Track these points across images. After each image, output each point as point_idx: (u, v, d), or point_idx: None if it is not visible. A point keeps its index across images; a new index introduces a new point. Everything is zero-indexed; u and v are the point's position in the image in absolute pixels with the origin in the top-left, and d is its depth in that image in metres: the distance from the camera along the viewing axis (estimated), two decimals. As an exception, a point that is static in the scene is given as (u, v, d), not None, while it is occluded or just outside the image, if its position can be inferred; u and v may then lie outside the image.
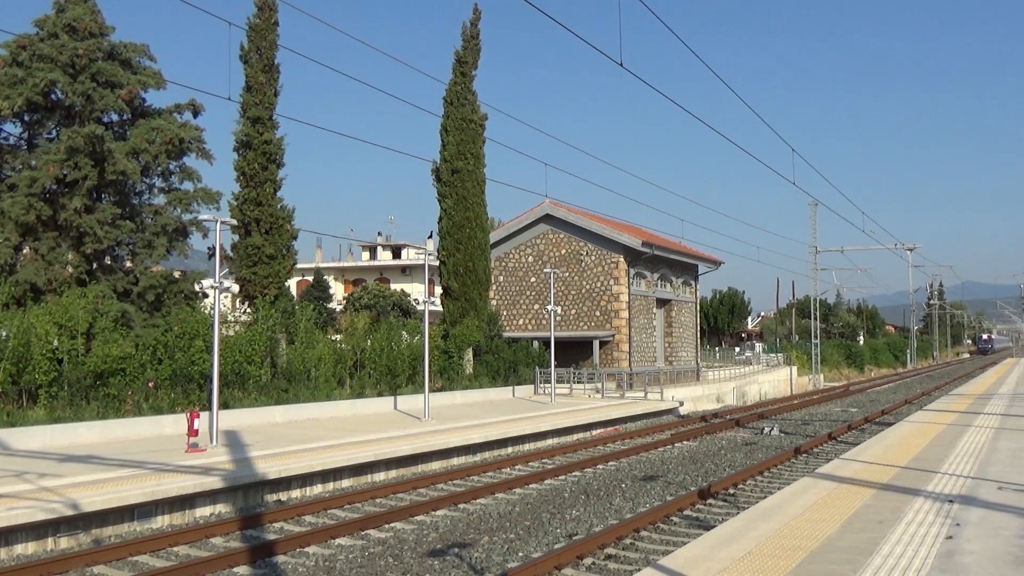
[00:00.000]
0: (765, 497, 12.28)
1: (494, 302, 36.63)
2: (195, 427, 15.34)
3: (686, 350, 41.96)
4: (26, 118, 24.88)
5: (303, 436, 17.51)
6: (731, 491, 14.38)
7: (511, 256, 37.84)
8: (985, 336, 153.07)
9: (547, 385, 29.94)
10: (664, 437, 22.11)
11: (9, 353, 18.00)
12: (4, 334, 18.42)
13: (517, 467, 17.26)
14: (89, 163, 23.21)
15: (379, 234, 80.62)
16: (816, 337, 57.26)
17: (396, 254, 76.11)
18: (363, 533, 11.28)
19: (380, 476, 15.74)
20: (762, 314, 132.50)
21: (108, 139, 23.64)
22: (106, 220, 23.57)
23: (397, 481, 15.15)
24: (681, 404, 30.10)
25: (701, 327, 48.47)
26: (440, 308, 31.67)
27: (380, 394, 25.98)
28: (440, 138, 31.38)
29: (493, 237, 35.58)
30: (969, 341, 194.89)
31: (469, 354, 30.85)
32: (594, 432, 23.40)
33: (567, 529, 11.49)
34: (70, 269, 23.73)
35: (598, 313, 35.82)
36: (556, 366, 29.24)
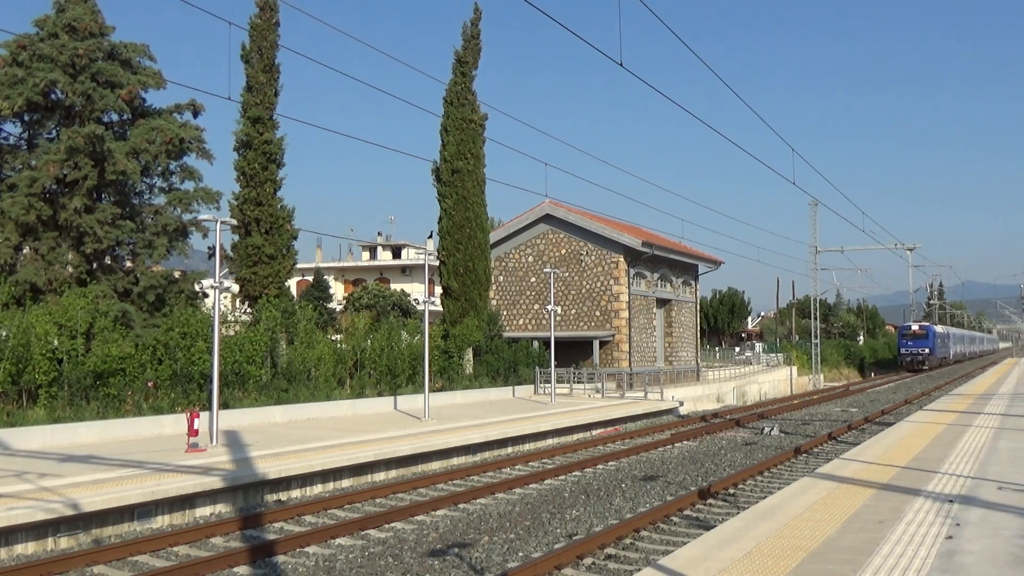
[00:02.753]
0: (765, 497, 12.28)
1: (494, 302, 36.63)
2: (195, 427, 15.34)
3: (686, 350, 41.96)
4: (26, 118, 24.89)
5: (303, 436, 17.51)
6: (731, 491, 14.38)
7: (511, 256, 37.84)
8: (915, 328, 70.50)
9: (547, 385, 29.93)
10: (664, 437, 22.10)
11: (9, 353, 18.00)
12: (4, 334, 18.42)
13: (517, 467, 17.25)
14: (89, 163, 23.21)
15: (379, 234, 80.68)
16: (816, 337, 57.27)
17: (396, 254, 76.11)
18: (363, 533, 11.28)
19: (380, 476, 15.74)
20: (762, 314, 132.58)
21: (108, 139, 23.65)
22: (106, 220, 23.58)
23: (397, 481, 15.14)
24: (681, 404, 30.09)
25: (701, 327, 48.47)
26: (440, 308, 31.67)
27: (380, 394, 25.98)
28: (440, 138, 31.38)
29: (493, 237, 35.58)
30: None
31: (469, 354, 30.84)
32: (594, 432, 23.39)
33: (567, 529, 11.49)
34: (70, 269, 23.74)
35: (598, 313, 35.82)
36: (556, 366, 29.24)
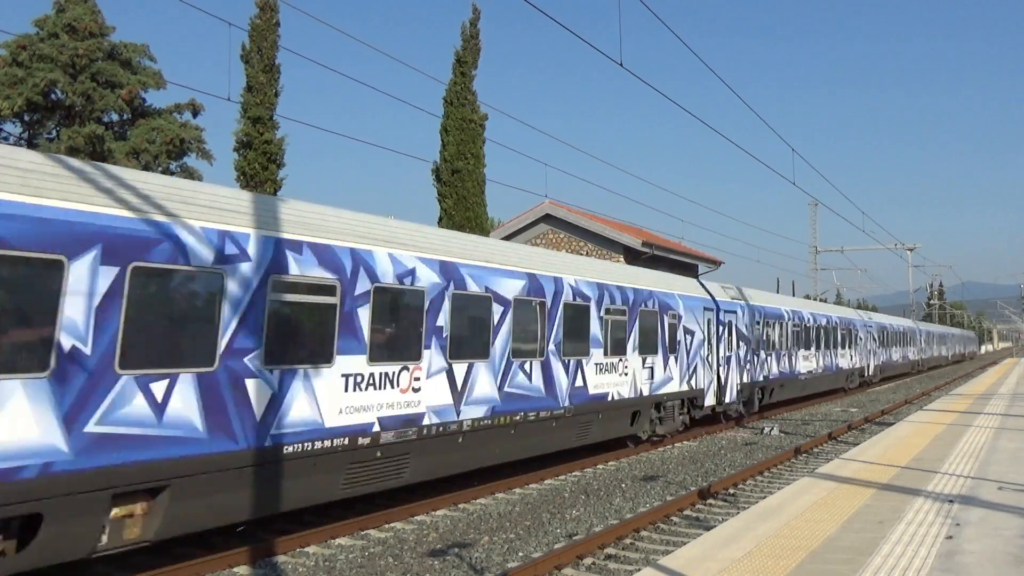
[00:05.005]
0: (765, 497, 12.29)
1: (494, 302, 36.58)
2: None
3: (685, 350, 41.53)
4: (26, 118, 24.93)
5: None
6: (731, 491, 14.38)
7: (511, 256, 37.84)
8: None
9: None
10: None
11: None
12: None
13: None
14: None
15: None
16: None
17: (396, 254, 76.13)
18: (363, 533, 11.29)
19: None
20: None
21: (108, 139, 23.68)
22: (106, 220, 23.60)
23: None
24: (680, 404, 29.50)
25: (700, 327, 48.12)
26: (440, 308, 31.65)
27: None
28: (440, 138, 31.36)
29: (493, 237, 35.59)
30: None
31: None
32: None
33: (567, 529, 11.50)
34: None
35: (598, 313, 35.69)
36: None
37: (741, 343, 24.45)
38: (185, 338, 8.86)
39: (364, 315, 11.00)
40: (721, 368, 22.87)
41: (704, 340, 21.85)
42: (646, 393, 18.65)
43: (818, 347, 33.55)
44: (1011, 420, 19.30)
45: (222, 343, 9.16)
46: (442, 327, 12.35)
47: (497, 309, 13.60)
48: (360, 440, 10.83)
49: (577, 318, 16.04)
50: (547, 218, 37.20)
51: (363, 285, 11.06)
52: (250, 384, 9.44)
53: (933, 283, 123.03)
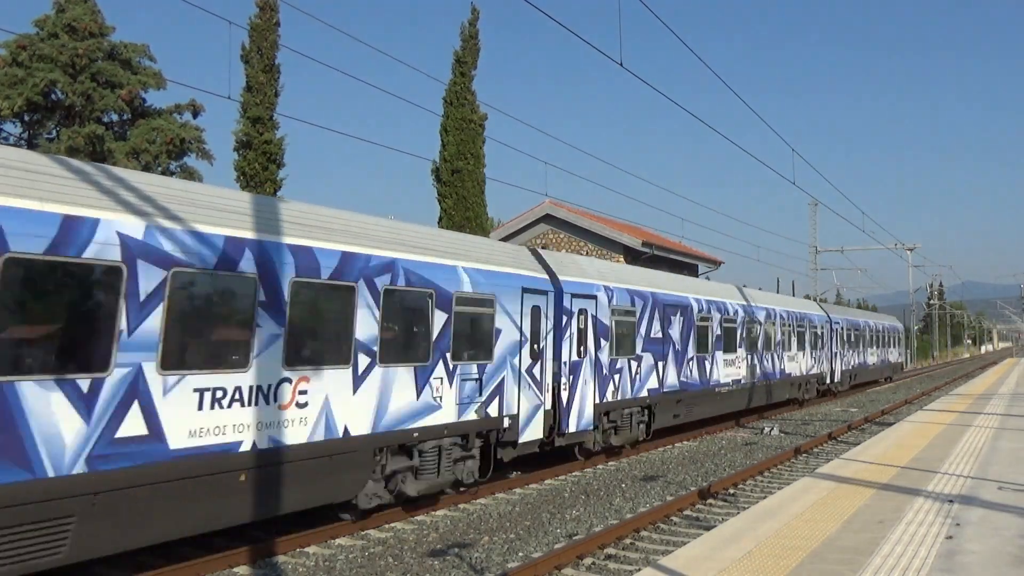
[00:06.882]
0: (765, 497, 12.29)
1: (494, 302, 36.51)
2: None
3: (686, 350, 41.28)
4: (26, 118, 24.95)
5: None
6: (731, 491, 14.38)
7: (511, 256, 37.80)
8: None
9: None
10: (664, 437, 22.07)
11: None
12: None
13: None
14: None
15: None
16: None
17: (396, 254, 76.08)
18: (363, 533, 11.29)
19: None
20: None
21: (108, 139, 23.70)
22: (106, 220, 23.61)
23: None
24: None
25: (700, 327, 47.81)
26: (440, 308, 31.59)
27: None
28: (440, 138, 31.36)
29: (493, 237, 35.58)
30: (969, 342, 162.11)
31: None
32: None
33: (567, 529, 11.50)
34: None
35: (598, 313, 35.56)
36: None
37: (604, 343, 16.95)
38: None
39: None
40: (563, 381, 15.26)
41: (524, 340, 14.16)
42: (363, 431, 10.70)
43: (752, 348, 26.08)
44: (1011, 420, 19.30)
45: None
46: None
47: None
48: None
49: (80, 295, 7.76)
50: (547, 218, 37.20)
51: None
52: None
53: (933, 283, 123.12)
